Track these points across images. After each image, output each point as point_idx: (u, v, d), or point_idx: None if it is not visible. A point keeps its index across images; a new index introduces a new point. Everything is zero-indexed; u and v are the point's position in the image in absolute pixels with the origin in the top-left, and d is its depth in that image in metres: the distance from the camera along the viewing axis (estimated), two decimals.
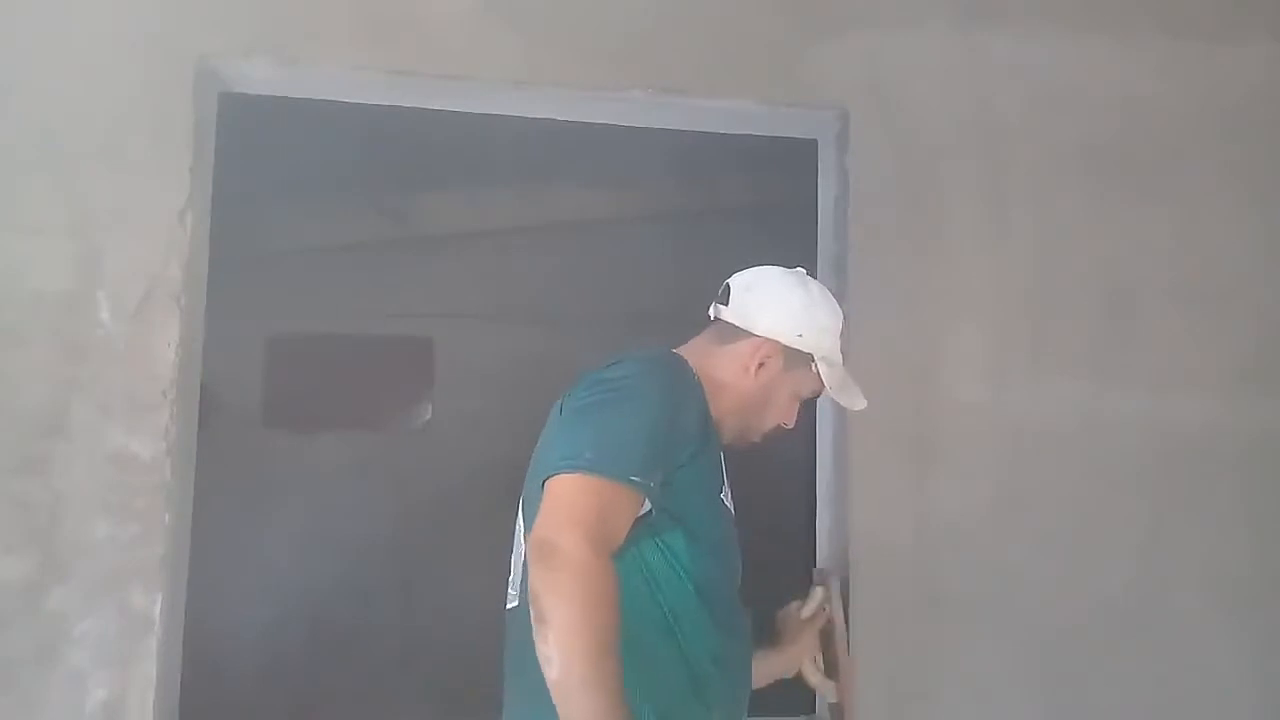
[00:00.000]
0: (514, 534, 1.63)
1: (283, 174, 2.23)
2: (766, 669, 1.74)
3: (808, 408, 2.31)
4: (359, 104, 2.23)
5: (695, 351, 1.67)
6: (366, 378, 2.26)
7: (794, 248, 2.36)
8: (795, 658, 1.86)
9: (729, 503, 1.63)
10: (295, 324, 2.24)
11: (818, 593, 1.90)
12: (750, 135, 2.37)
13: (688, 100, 2.26)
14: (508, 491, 2.12)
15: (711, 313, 1.71)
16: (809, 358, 1.68)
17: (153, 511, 1.98)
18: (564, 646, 1.30)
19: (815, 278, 2.32)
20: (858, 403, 1.76)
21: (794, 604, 1.90)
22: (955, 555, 2.22)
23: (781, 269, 1.74)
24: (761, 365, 1.65)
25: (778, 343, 1.66)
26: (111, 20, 2.05)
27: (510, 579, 1.60)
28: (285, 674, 2.16)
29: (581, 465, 1.37)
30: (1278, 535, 2.33)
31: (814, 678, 1.88)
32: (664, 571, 1.49)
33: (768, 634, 1.86)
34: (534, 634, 1.33)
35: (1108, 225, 2.34)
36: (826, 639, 1.89)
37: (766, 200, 2.39)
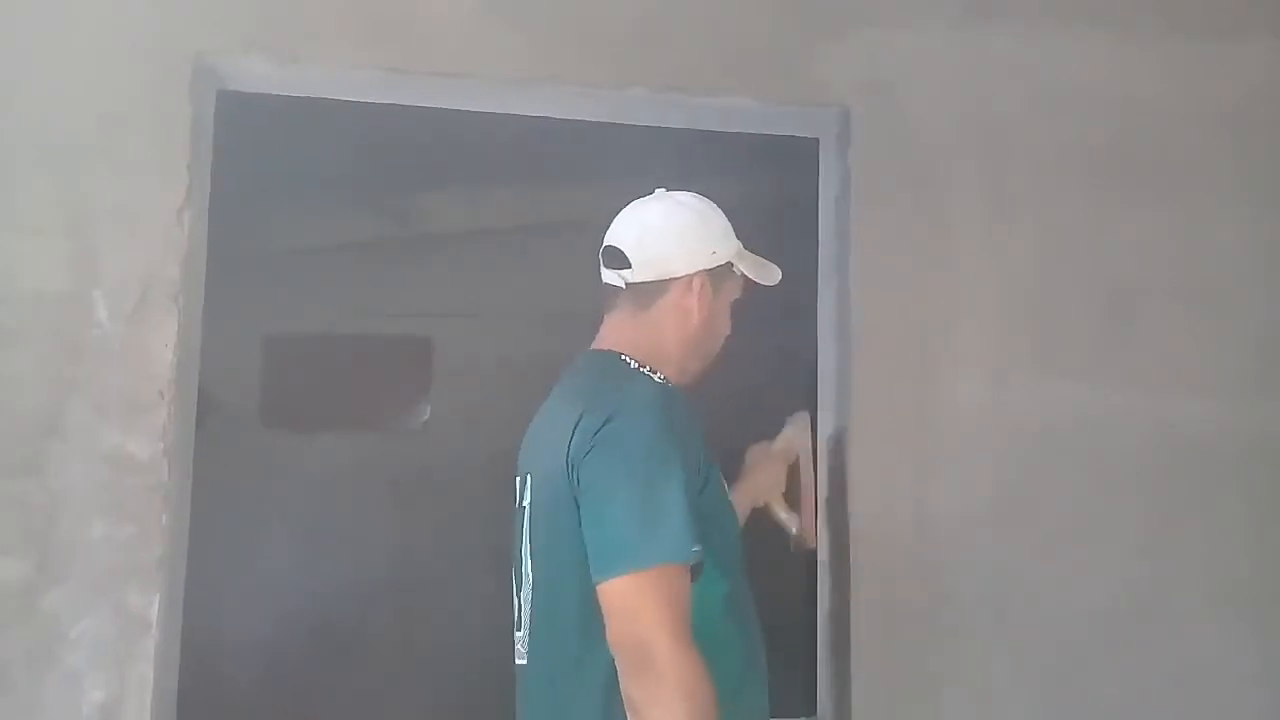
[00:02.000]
0: (517, 566, 1.58)
1: (281, 173, 2.22)
2: (736, 501, 1.69)
3: (808, 409, 2.32)
4: (358, 102, 2.22)
5: (623, 331, 1.62)
6: (365, 378, 2.25)
7: (794, 247, 2.36)
8: (764, 490, 1.89)
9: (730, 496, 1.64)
10: (293, 324, 2.23)
11: (787, 429, 1.94)
12: (751, 134, 2.37)
13: (688, 99, 2.26)
14: (507, 491, 2.11)
15: (615, 281, 1.62)
16: (728, 265, 1.65)
17: (150, 512, 1.97)
18: None
19: (818, 278, 2.36)
20: (774, 275, 1.73)
21: (762, 442, 1.93)
22: (955, 555, 2.22)
23: (648, 201, 1.67)
24: (700, 299, 1.61)
25: (701, 270, 1.61)
26: (109, 18, 2.04)
27: (519, 634, 1.55)
28: (283, 675, 2.15)
29: (641, 560, 1.35)
30: (1278, 535, 2.33)
31: (780, 511, 1.94)
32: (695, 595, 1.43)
33: (739, 468, 1.90)
34: None
35: (1108, 225, 2.34)
36: (794, 473, 1.94)
37: (767, 199, 2.38)
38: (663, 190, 1.69)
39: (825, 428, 2.33)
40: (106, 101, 2.03)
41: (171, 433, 1.99)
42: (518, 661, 1.56)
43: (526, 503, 1.57)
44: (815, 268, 2.36)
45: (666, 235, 1.61)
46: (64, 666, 1.91)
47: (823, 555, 2.29)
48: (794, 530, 1.95)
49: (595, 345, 1.65)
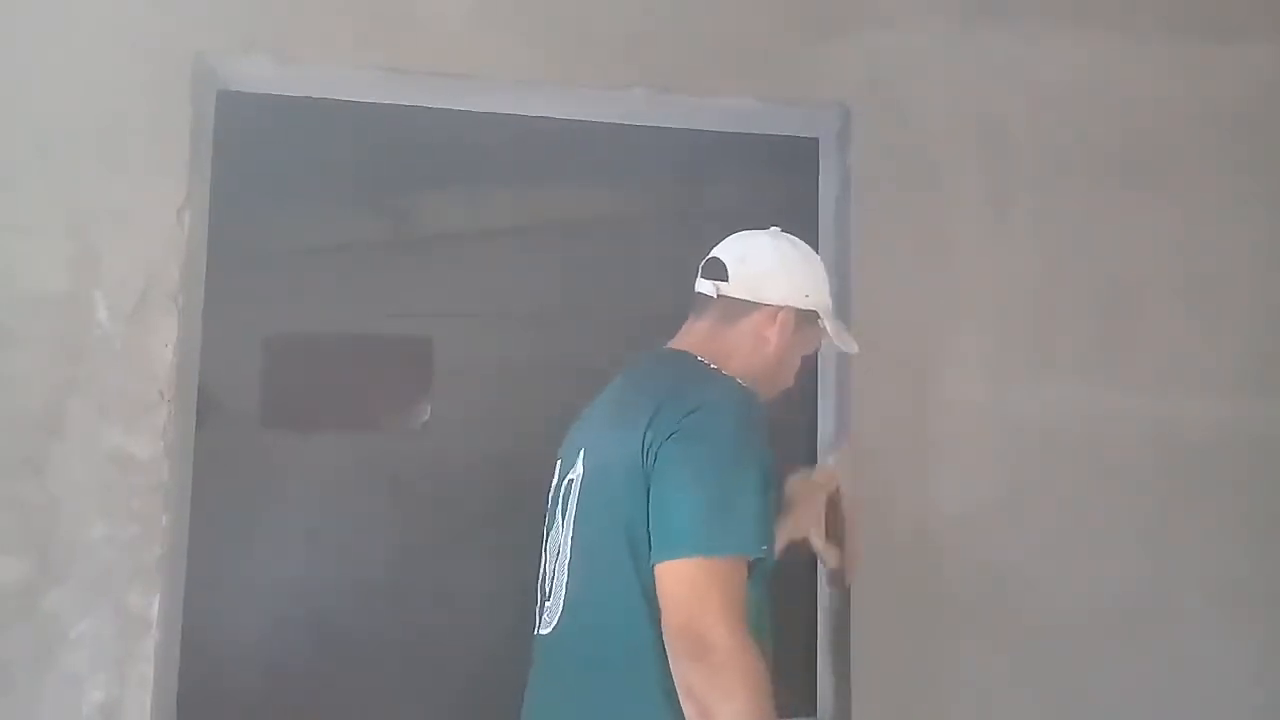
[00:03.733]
0: (549, 548, 1.60)
1: (281, 173, 2.22)
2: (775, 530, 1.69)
3: (808, 409, 2.32)
4: (358, 102, 2.22)
5: (702, 338, 1.65)
6: (365, 378, 2.25)
7: None
8: (801, 523, 1.86)
9: None
10: (293, 324, 2.23)
11: (829, 460, 1.91)
12: (751, 134, 2.37)
13: (688, 99, 2.26)
14: (507, 491, 2.12)
15: (709, 290, 1.67)
16: (814, 315, 1.70)
17: (150, 512, 1.97)
18: None
19: None
20: (853, 346, 1.79)
21: (803, 470, 1.91)
22: (955, 555, 2.22)
23: (759, 232, 1.73)
24: (780, 332, 1.65)
25: (791, 308, 1.66)
26: (109, 18, 2.04)
27: (548, 603, 1.56)
28: (283, 675, 2.15)
29: (715, 548, 1.37)
30: (1278, 535, 2.33)
31: (818, 542, 1.90)
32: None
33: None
34: None
35: (1108, 225, 2.34)
36: (833, 506, 1.91)
37: (767, 199, 2.38)
38: (778, 229, 1.75)
39: (825, 428, 2.33)
40: (106, 101, 2.03)
41: (171, 433, 1.99)
42: (540, 631, 1.56)
43: (575, 476, 1.56)
44: None
45: (769, 261, 1.67)
46: (64, 666, 1.91)
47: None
48: (831, 564, 1.92)
49: (670, 345, 1.68)
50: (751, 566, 1.43)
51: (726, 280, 1.65)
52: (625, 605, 1.43)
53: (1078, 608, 2.24)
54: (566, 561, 1.52)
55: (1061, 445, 2.27)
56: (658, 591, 1.38)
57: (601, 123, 2.30)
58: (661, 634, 1.38)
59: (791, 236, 1.75)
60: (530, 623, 1.66)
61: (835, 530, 1.92)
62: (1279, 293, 2.38)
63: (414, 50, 2.15)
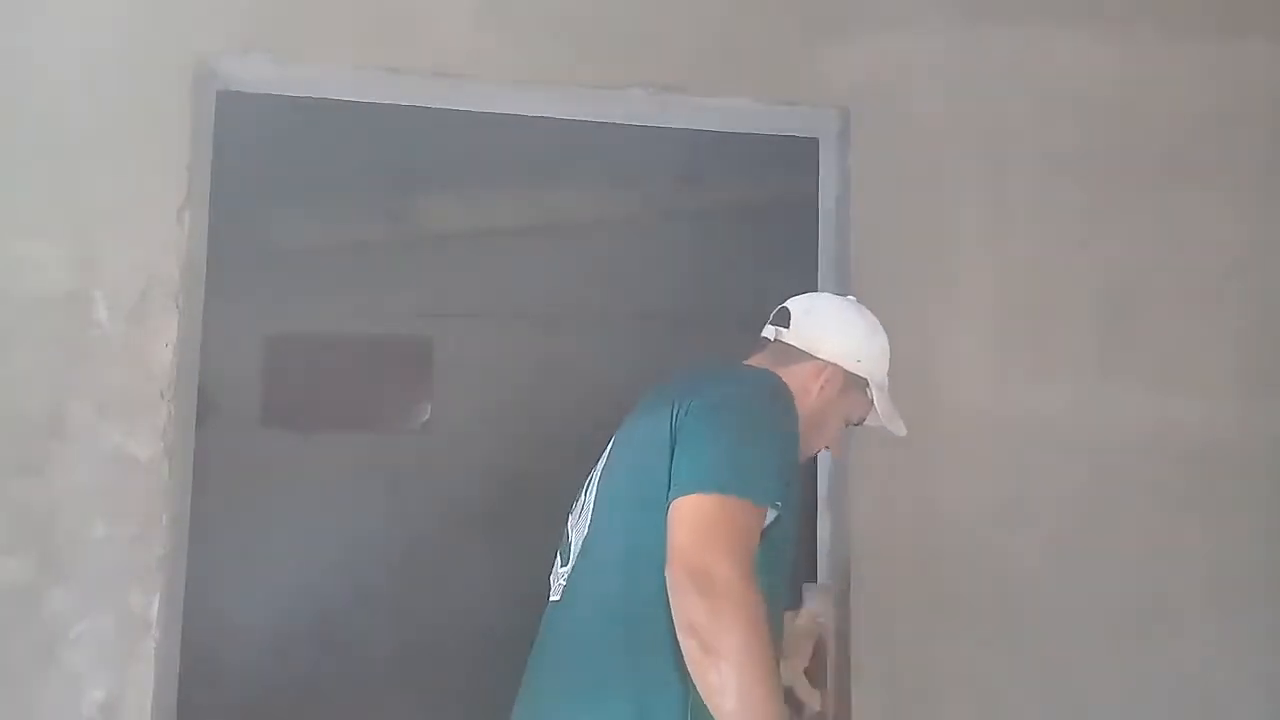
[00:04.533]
0: (570, 523, 1.61)
1: (281, 173, 2.22)
2: None
3: None
4: (358, 103, 2.22)
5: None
6: (366, 378, 2.25)
7: (795, 247, 2.36)
8: (786, 673, 1.80)
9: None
10: (294, 324, 2.23)
11: (809, 604, 1.90)
12: (751, 134, 2.37)
13: (688, 99, 2.26)
14: (507, 491, 2.12)
15: (769, 334, 1.73)
16: (864, 383, 1.72)
17: (150, 512, 1.97)
18: (741, 675, 1.30)
19: (818, 279, 2.36)
20: (900, 429, 1.79)
21: (788, 613, 1.89)
22: (955, 555, 2.22)
23: (835, 295, 1.80)
24: (823, 388, 1.68)
25: (840, 367, 1.69)
26: (109, 18, 2.04)
27: (562, 569, 1.58)
28: (283, 675, 2.15)
29: (727, 487, 1.38)
30: (1278, 535, 2.33)
31: (801, 692, 1.85)
32: None
33: None
34: (693, 662, 1.33)
35: (1108, 225, 2.34)
36: (819, 650, 1.89)
37: (767, 199, 2.38)
38: (854, 299, 1.80)
39: None
40: (107, 102, 2.03)
41: (172, 433, 1.99)
42: (552, 598, 1.58)
43: (603, 456, 1.60)
44: (815, 268, 2.36)
45: (830, 320, 1.72)
46: (65, 666, 1.91)
47: (823, 554, 2.30)
48: (816, 708, 1.87)
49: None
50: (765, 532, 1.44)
51: (788, 328, 1.71)
52: (624, 571, 1.46)
53: (1078, 608, 2.23)
54: (586, 528, 1.55)
55: (1061, 445, 2.26)
56: (667, 530, 1.38)
57: (601, 123, 2.30)
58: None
59: (867, 309, 1.78)
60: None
61: (819, 675, 1.88)
62: (1279, 293, 2.38)
63: (414, 50, 2.15)
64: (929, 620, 2.19)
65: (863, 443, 2.21)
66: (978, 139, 2.31)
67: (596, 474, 1.62)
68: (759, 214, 2.40)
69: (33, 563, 1.92)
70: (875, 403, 1.73)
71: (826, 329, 1.71)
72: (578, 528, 1.59)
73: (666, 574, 1.36)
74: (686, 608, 1.34)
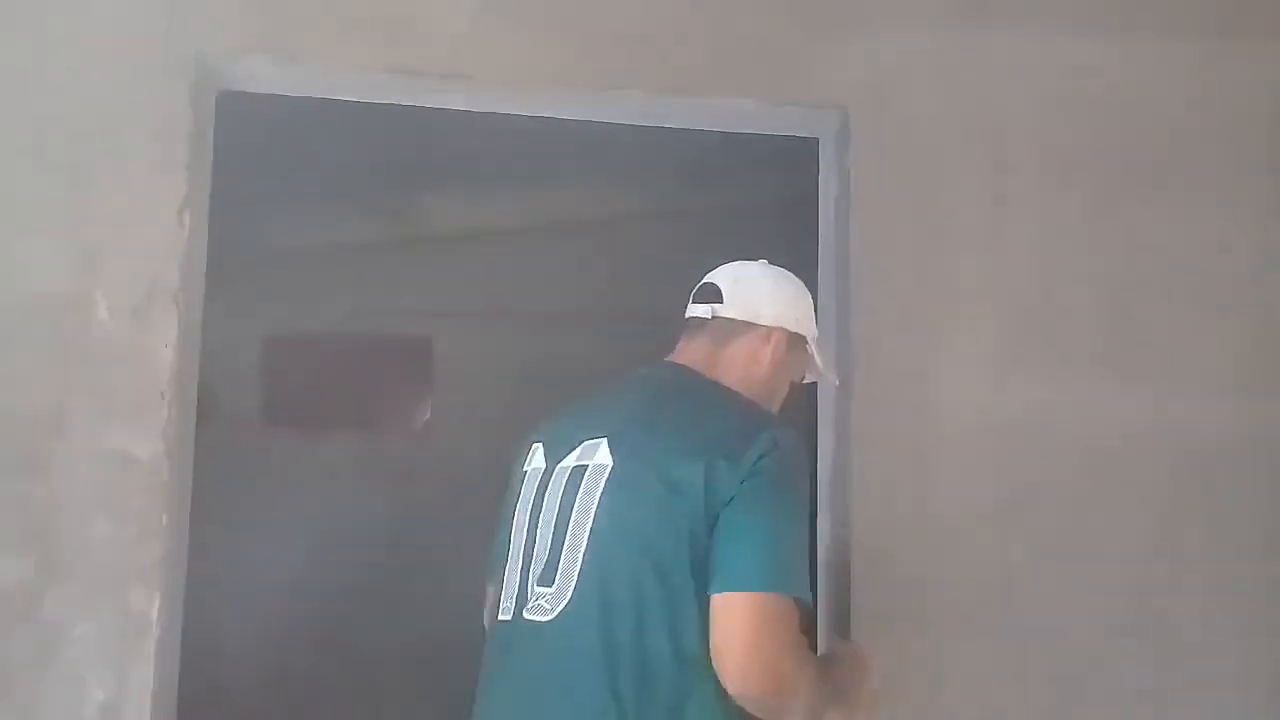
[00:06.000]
0: (553, 524, 1.55)
1: (281, 173, 2.22)
2: None
3: (808, 409, 2.32)
4: (358, 103, 2.22)
5: (699, 358, 1.70)
6: (366, 378, 2.26)
7: (794, 247, 2.35)
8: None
9: None
10: (294, 324, 2.23)
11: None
12: (751, 134, 2.37)
13: (687, 99, 2.25)
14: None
15: (704, 313, 1.73)
16: (803, 340, 1.78)
17: (151, 512, 1.97)
18: None
19: (816, 276, 2.36)
20: (834, 379, 1.93)
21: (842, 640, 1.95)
22: (955, 555, 2.21)
23: (748, 262, 1.80)
24: (773, 353, 1.71)
25: (783, 329, 1.73)
26: (109, 18, 2.04)
27: (542, 589, 1.52)
28: (284, 675, 2.15)
29: (781, 586, 1.45)
30: (1278, 535, 2.32)
31: None
32: None
33: None
34: None
35: (1108, 225, 2.34)
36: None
37: (767, 199, 2.38)
38: (765, 262, 1.83)
39: (826, 428, 2.33)
40: (106, 102, 2.03)
41: (172, 433, 1.99)
42: (534, 617, 1.51)
43: (590, 466, 1.54)
44: (815, 268, 2.36)
45: (762, 286, 1.75)
46: (65, 667, 1.91)
47: (823, 555, 2.30)
48: None
49: (678, 359, 1.72)
50: None
51: (722, 302, 1.72)
52: (646, 612, 1.46)
53: (1078, 608, 2.23)
54: (581, 553, 1.50)
55: (1061, 445, 2.26)
56: (718, 619, 1.43)
57: (601, 123, 2.30)
58: (674, 645, 1.43)
59: (782, 269, 1.81)
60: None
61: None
62: (1278, 292, 2.38)
63: (414, 50, 2.15)
64: (929, 620, 2.19)
65: (863, 443, 2.21)
66: (978, 139, 2.31)
67: (595, 482, 1.53)
68: (759, 214, 2.40)
69: (33, 563, 1.92)
70: (815, 356, 1.79)
71: (760, 295, 1.73)
72: (568, 550, 1.51)
73: (721, 662, 1.42)
74: (757, 705, 1.45)
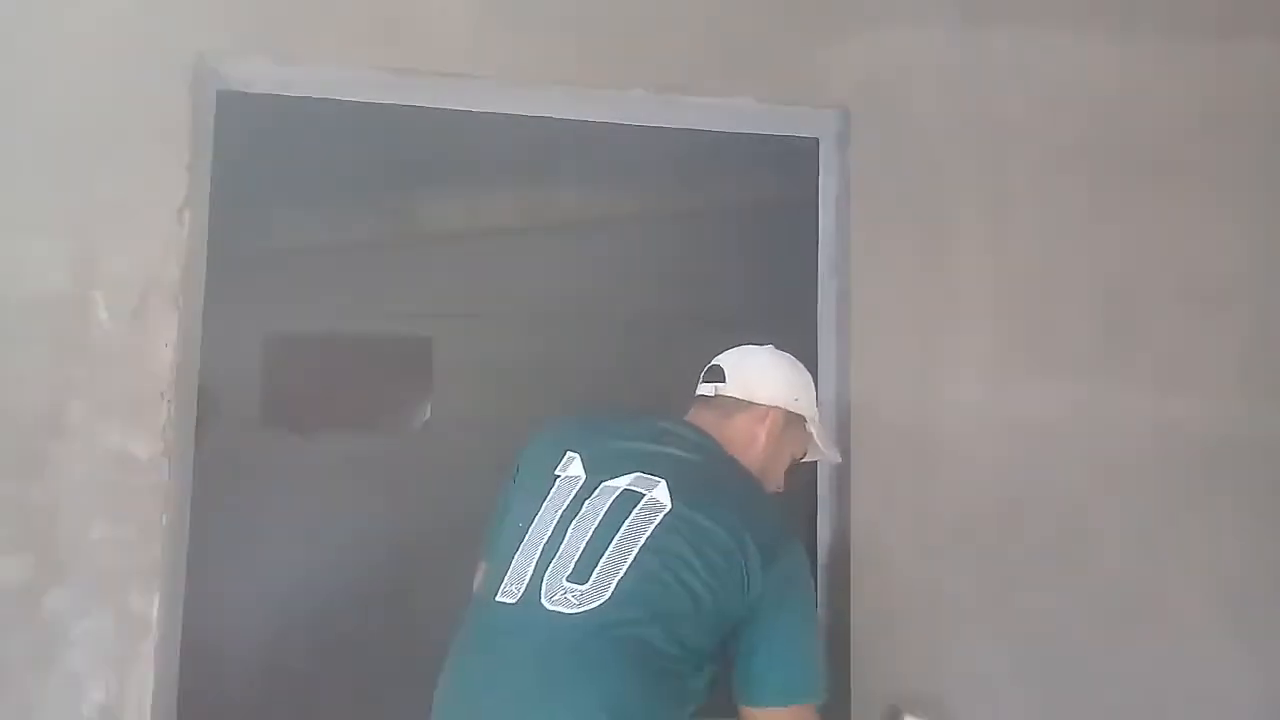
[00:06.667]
0: (593, 527, 1.63)
1: (281, 173, 2.22)
2: None
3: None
4: (358, 103, 2.22)
5: (708, 428, 1.80)
6: (365, 378, 2.25)
7: (794, 247, 2.36)
8: None
9: None
10: (293, 324, 2.23)
11: None
12: (751, 134, 2.37)
13: (688, 99, 2.26)
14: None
15: (708, 391, 1.85)
16: (802, 419, 1.88)
17: (150, 512, 1.97)
18: None
19: (818, 278, 2.36)
20: (837, 457, 2.00)
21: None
22: (955, 555, 2.22)
23: (755, 347, 1.91)
24: (769, 431, 1.82)
25: (780, 408, 1.84)
26: (109, 18, 2.04)
27: (575, 585, 1.59)
28: (284, 676, 2.15)
29: (816, 695, 1.62)
30: (1278, 535, 2.33)
31: None
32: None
33: None
34: None
35: (1108, 225, 2.34)
36: None
37: (767, 200, 2.38)
38: (772, 347, 1.93)
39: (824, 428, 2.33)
40: (106, 101, 2.03)
41: (172, 433, 1.99)
42: (558, 608, 1.58)
43: (656, 500, 1.65)
44: (815, 268, 2.36)
45: (762, 368, 1.88)
46: (65, 667, 1.91)
47: (823, 556, 2.30)
48: None
49: (696, 423, 1.82)
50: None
51: (724, 382, 1.85)
52: (674, 625, 1.58)
53: (1077, 607, 2.24)
54: (626, 564, 1.60)
55: (1061, 445, 2.27)
56: None
57: (601, 123, 2.30)
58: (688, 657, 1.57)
59: (784, 353, 1.93)
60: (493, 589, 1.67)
61: None
62: (1277, 292, 2.38)
63: (414, 50, 2.15)
64: (929, 620, 2.19)
65: (863, 443, 2.21)
66: (978, 139, 2.31)
67: (649, 510, 1.63)
68: (759, 214, 2.40)
69: (33, 563, 1.92)
70: (814, 435, 1.89)
71: (760, 376, 1.86)
72: (603, 555, 1.60)
73: None
74: None
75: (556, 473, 1.72)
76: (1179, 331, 2.34)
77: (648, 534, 1.61)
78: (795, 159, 2.39)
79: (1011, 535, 2.24)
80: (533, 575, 1.62)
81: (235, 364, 2.18)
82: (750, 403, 1.83)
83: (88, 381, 1.97)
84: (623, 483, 1.67)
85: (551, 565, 1.62)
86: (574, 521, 1.65)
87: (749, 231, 2.37)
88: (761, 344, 1.93)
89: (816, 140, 2.40)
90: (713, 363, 1.89)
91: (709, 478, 1.71)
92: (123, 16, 2.05)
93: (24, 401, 1.95)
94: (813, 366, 2.32)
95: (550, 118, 2.29)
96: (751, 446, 1.81)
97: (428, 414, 2.26)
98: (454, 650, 1.68)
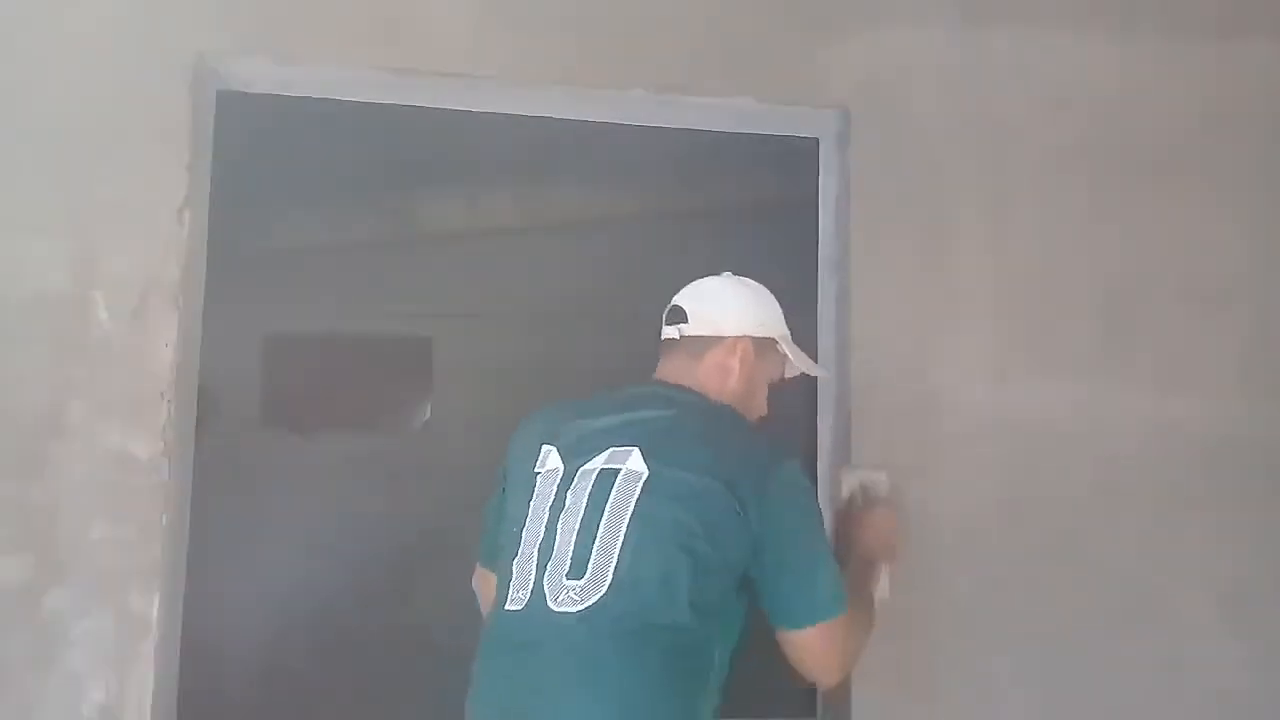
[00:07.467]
0: (580, 522, 1.62)
1: (281, 173, 2.22)
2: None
3: (807, 410, 2.32)
4: (358, 102, 2.22)
5: (682, 377, 1.78)
6: (365, 378, 2.25)
7: (794, 247, 2.36)
8: (877, 550, 1.96)
9: None
10: (293, 324, 2.23)
11: (878, 482, 2.00)
12: (751, 134, 2.37)
13: (688, 99, 2.26)
14: None
15: (673, 334, 1.81)
16: (772, 342, 1.84)
17: (150, 512, 1.97)
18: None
19: (818, 278, 2.36)
20: (817, 369, 1.96)
21: (849, 482, 2.04)
22: (955, 555, 2.22)
23: (710, 277, 1.86)
24: (741, 361, 1.78)
25: (747, 336, 1.80)
26: (109, 18, 2.05)
27: (572, 581, 1.58)
28: (283, 676, 2.15)
29: (837, 610, 1.65)
30: (1278, 535, 2.33)
31: (886, 579, 1.95)
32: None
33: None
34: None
35: (1108, 225, 2.34)
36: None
37: (767, 200, 2.38)
38: (729, 273, 1.88)
39: (825, 428, 2.33)
40: (107, 101, 2.03)
41: (171, 433, 1.99)
42: (565, 609, 1.57)
43: (632, 469, 1.63)
44: (815, 268, 2.36)
45: (722, 299, 1.83)
46: (65, 667, 1.91)
47: None
48: (886, 596, 1.95)
49: (669, 379, 1.79)
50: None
51: (687, 322, 1.81)
52: (674, 586, 1.56)
53: (1077, 607, 2.24)
54: (617, 547, 1.58)
55: (1061, 445, 2.27)
56: (801, 652, 1.65)
57: (601, 123, 2.30)
58: (696, 610, 1.56)
59: (742, 277, 1.88)
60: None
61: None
62: (1277, 292, 2.38)
63: (414, 50, 2.15)
64: (929, 620, 2.19)
65: (863, 443, 2.21)
66: (978, 139, 2.31)
67: (629, 486, 1.61)
68: (759, 214, 2.40)
69: (32, 563, 1.92)
70: (789, 354, 1.85)
71: (721, 308, 1.81)
72: (599, 547, 1.59)
73: (814, 679, 1.75)
74: (826, 685, 1.82)
75: (536, 470, 1.71)
76: (1179, 331, 2.34)
77: (632, 507, 1.60)
78: (795, 159, 2.39)
79: (1011, 535, 2.24)
80: (535, 579, 1.62)
81: (235, 364, 2.18)
82: (717, 338, 1.79)
83: (88, 381, 1.97)
84: (598, 463, 1.65)
85: (550, 566, 1.61)
86: (560, 516, 1.64)
87: (749, 231, 2.37)
88: (717, 273, 1.89)
89: (816, 140, 2.40)
90: (672, 303, 1.85)
91: (682, 430, 1.68)
92: (123, 16, 2.05)
93: (24, 401, 1.95)
94: (810, 384, 2.33)
95: (550, 118, 2.28)
96: (727, 380, 1.78)
97: (428, 414, 2.26)
98: (477, 660, 1.68)
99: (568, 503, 1.64)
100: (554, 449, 1.71)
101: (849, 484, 2.02)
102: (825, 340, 2.33)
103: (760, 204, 2.38)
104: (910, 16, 2.31)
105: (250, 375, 2.20)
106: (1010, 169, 2.32)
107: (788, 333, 1.87)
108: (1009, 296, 2.29)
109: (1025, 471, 2.25)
